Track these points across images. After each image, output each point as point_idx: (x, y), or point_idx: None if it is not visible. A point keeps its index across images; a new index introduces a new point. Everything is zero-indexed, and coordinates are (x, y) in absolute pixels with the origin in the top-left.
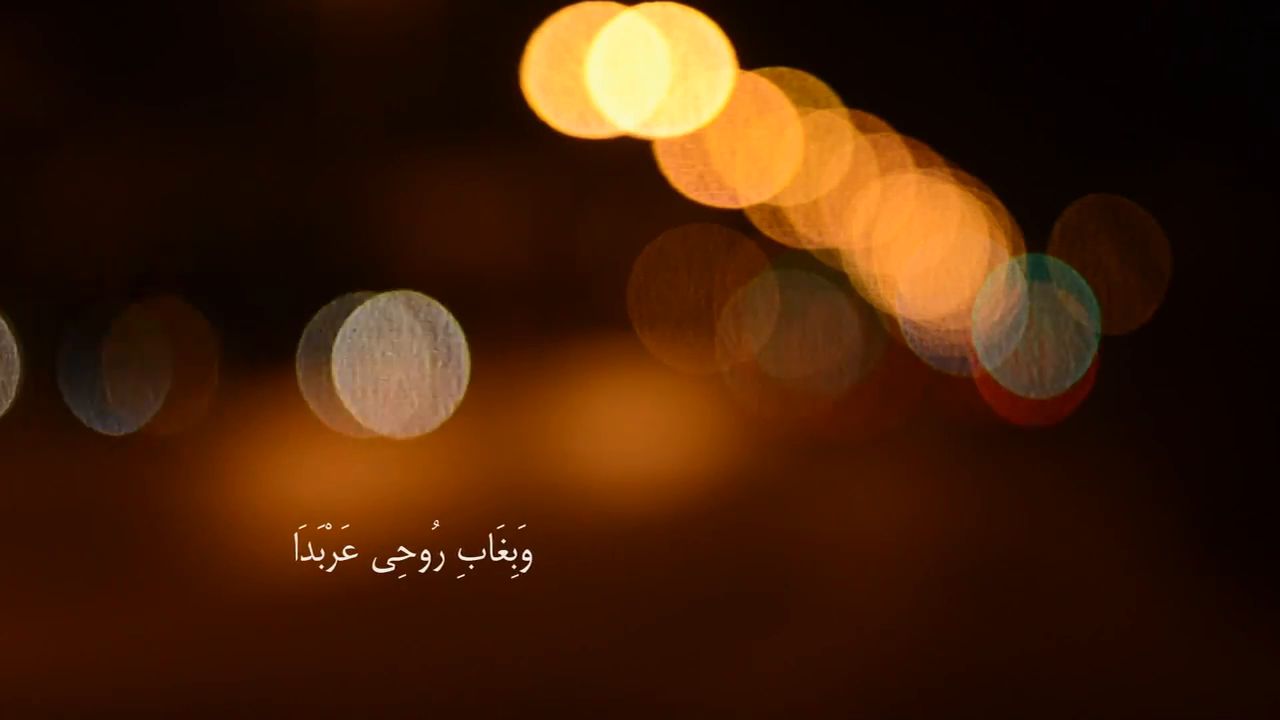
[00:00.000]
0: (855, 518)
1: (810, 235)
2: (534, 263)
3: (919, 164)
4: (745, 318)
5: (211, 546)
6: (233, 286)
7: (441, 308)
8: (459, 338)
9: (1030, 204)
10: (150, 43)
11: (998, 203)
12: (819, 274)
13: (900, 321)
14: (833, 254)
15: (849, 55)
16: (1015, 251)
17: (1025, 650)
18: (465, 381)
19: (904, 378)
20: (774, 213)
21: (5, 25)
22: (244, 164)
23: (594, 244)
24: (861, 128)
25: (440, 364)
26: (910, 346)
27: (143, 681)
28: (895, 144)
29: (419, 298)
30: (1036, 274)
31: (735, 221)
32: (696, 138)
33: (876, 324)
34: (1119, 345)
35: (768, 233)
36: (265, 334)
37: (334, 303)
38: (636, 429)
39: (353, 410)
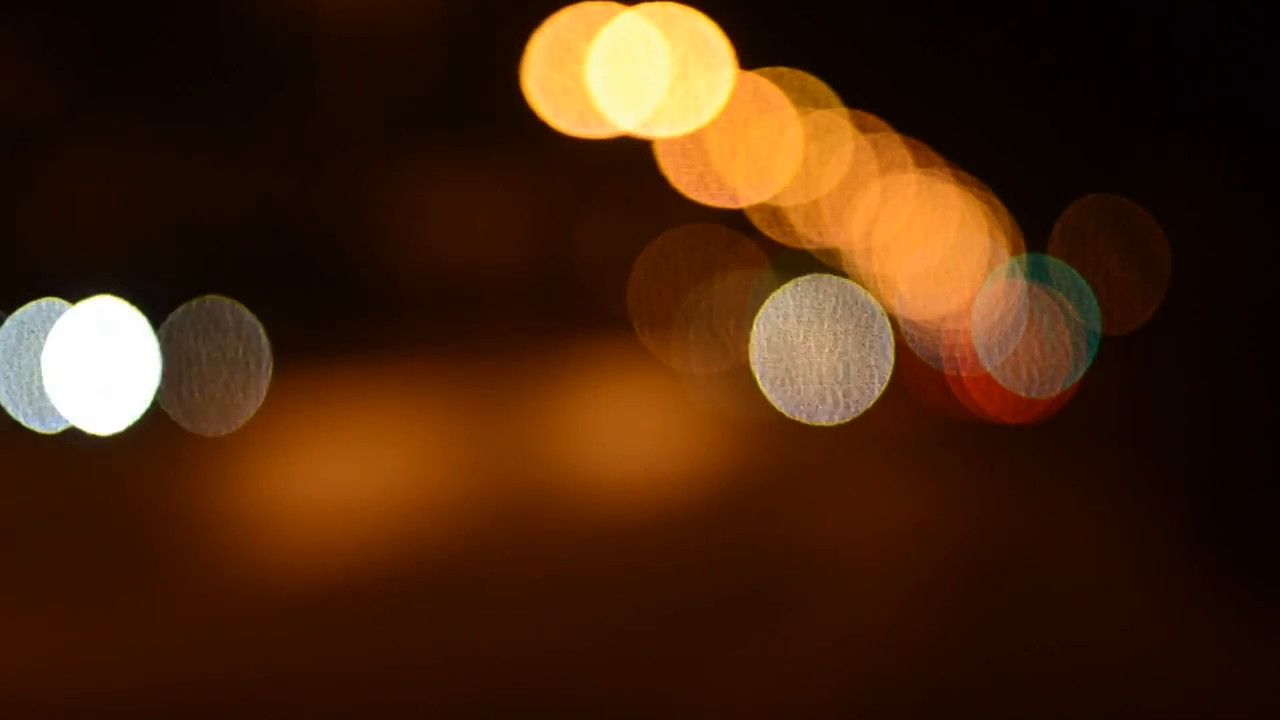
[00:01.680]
0: (854, 517)
1: (810, 235)
2: (534, 263)
3: (919, 164)
4: (745, 318)
5: (204, 546)
6: (230, 285)
7: (246, 310)
8: (264, 339)
9: (1030, 204)
10: (150, 43)
11: (998, 203)
12: (819, 274)
13: (900, 321)
14: (833, 254)
15: (849, 55)
16: (1015, 251)
17: (1024, 649)
18: (268, 384)
19: (904, 378)
20: (774, 213)
21: (5, 25)
22: (244, 164)
23: (594, 244)
24: (861, 128)
25: (252, 365)
26: (910, 346)
27: (122, 684)
28: (895, 144)
29: (230, 302)
30: (1036, 274)
31: (735, 221)
32: (696, 138)
33: (876, 324)
34: (1119, 345)
35: (768, 233)
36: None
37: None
38: (636, 429)
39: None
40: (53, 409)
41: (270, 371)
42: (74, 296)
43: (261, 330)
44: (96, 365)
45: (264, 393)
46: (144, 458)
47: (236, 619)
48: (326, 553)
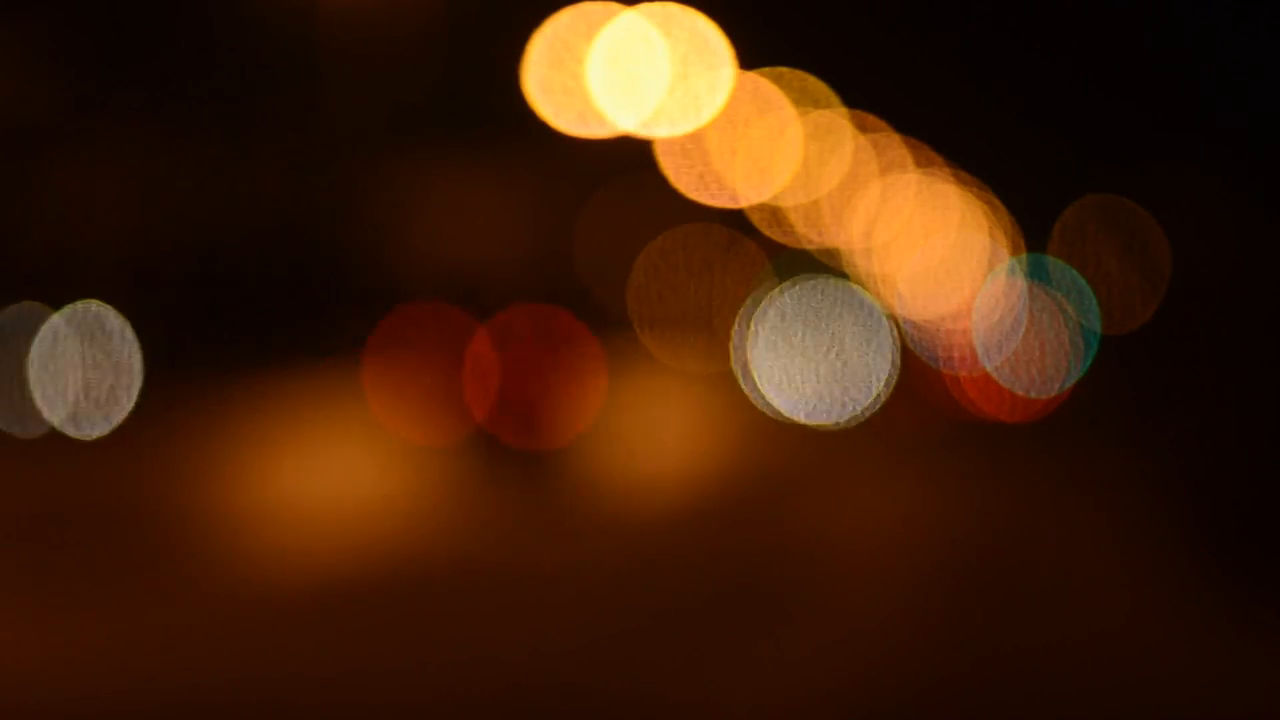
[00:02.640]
0: (855, 516)
1: (810, 235)
2: (534, 263)
3: (919, 164)
4: (745, 317)
5: (203, 546)
6: (230, 284)
7: (120, 316)
8: (135, 344)
9: (1030, 204)
10: (151, 43)
11: (998, 203)
12: (819, 274)
13: (900, 321)
14: (833, 254)
15: (849, 55)
16: (1015, 251)
17: (1023, 647)
18: (138, 386)
19: (905, 378)
20: (774, 213)
21: (5, 25)
22: (244, 164)
23: (594, 244)
24: (861, 128)
25: (118, 368)
26: (910, 346)
27: (120, 684)
28: (895, 144)
29: (105, 307)
30: (1036, 274)
31: (735, 221)
32: (696, 138)
33: (877, 324)
34: (1119, 345)
35: (768, 233)
36: (261, 333)
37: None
38: (636, 428)
39: (44, 411)
40: (35, 413)
41: (140, 378)
42: (58, 301)
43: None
44: (79, 370)
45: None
46: (140, 457)
47: (235, 619)
48: (326, 553)
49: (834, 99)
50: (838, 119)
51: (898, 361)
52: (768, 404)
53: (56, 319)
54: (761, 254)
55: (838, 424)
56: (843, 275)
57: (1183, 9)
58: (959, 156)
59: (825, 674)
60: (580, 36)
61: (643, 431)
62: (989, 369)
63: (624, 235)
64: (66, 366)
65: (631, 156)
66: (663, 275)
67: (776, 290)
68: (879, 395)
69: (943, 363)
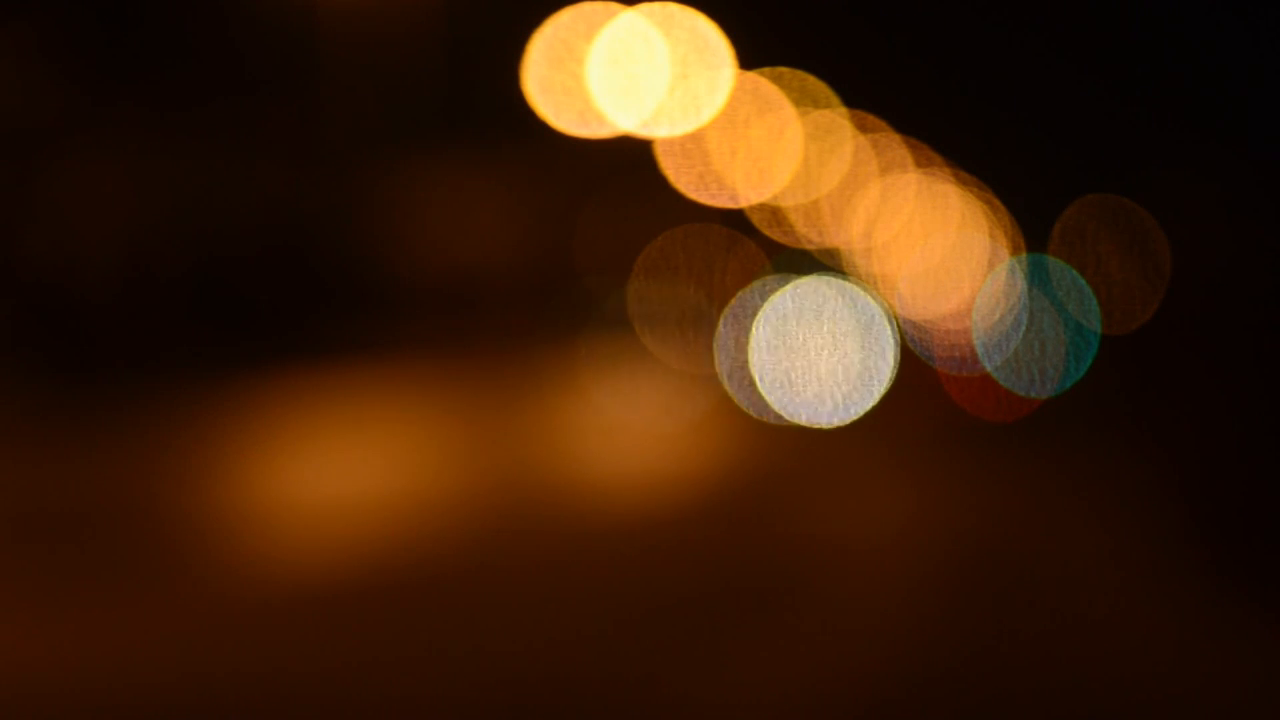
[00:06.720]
0: (855, 515)
1: (810, 235)
2: (535, 263)
3: (919, 164)
4: (745, 318)
5: (204, 545)
6: (230, 285)
7: None
8: None
9: (1030, 204)
10: (151, 44)
11: (998, 203)
12: (819, 274)
13: (900, 321)
14: (833, 254)
15: (849, 55)
16: (1015, 251)
17: (1023, 645)
18: None
19: (904, 378)
20: (774, 213)
21: (6, 26)
22: (245, 164)
23: (594, 244)
24: (861, 128)
25: None
26: (910, 346)
27: (122, 683)
28: (895, 144)
29: None
30: (1036, 274)
31: (735, 221)
32: (696, 138)
33: (877, 325)
34: (1119, 345)
35: (768, 233)
36: (262, 333)
37: None
38: (636, 428)
39: None
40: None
41: None
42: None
43: None
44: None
45: None
46: (140, 457)
47: (236, 617)
48: (326, 551)
49: (834, 99)
50: (838, 119)
51: (897, 361)
52: (767, 405)
53: None
54: (761, 254)
55: (840, 424)
56: (843, 275)
57: (1183, 9)
58: (959, 156)
59: (824, 670)
60: (580, 36)
61: (641, 431)
62: (989, 369)
63: (624, 235)
64: None
65: (631, 156)
66: (663, 275)
67: (776, 290)
68: (878, 397)
69: (943, 363)
